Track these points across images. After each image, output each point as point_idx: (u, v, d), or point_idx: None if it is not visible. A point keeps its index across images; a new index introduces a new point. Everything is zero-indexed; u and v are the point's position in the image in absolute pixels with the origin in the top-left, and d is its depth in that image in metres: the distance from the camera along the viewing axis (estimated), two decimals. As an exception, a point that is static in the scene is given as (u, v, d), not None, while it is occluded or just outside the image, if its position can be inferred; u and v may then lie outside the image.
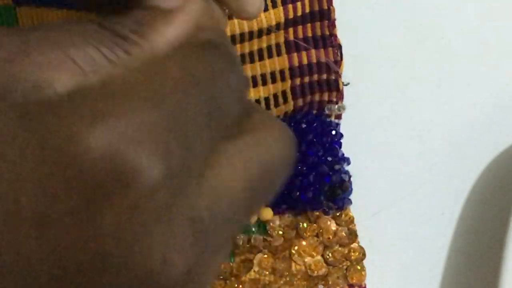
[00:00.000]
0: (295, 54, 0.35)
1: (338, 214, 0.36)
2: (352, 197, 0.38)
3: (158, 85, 0.17)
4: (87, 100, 0.16)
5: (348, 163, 0.37)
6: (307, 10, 0.35)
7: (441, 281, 0.39)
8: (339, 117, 0.37)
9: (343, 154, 0.37)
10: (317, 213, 0.36)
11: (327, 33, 0.36)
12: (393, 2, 0.42)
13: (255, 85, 0.35)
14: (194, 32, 0.20)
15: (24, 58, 0.17)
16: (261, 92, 0.35)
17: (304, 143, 0.35)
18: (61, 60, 0.17)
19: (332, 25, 0.35)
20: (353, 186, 0.38)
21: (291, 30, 0.35)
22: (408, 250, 0.39)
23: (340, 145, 0.37)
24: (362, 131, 0.40)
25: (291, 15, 0.34)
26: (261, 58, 0.35)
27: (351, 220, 0.37)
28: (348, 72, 0.41)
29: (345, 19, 0.41)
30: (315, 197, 0.35)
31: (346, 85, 0.37)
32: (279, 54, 0.35)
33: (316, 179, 0.35)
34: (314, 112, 0.36)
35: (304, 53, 0.35)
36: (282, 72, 0.35)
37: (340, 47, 0.36)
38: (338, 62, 0.36)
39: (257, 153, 0.20)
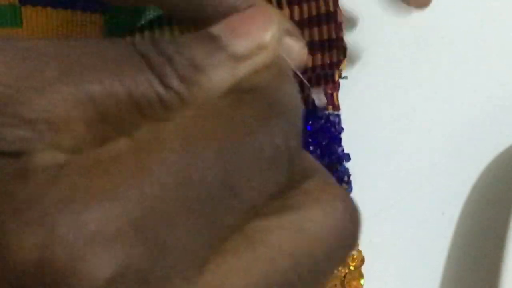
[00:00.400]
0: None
1: None
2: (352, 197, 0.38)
3: (154, 156, 0.15)
4: (61, 179, 0.14)
5: (348, 160, 0.36)
6: (314, 12, 0.35)
7: (441, 281, 0.39)
8: (336, 108, 0.36)
9: (342, 151, 0.36)
10: None
11: (334, 36, 0.35)
12: (393, 2, 0.42)
13: None
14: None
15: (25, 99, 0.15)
16: None
17: None
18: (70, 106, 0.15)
19: (338, 27, 0.35)
20: (353, 186, 0.38)
21: None
22: (408, 250, 0.39)
23: (339, 140, 0.36)
24: (362, 131, 0.40)
25: (297, 17, 0.34)
26: None
27: None
28: (348, 72, 0.41)
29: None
30: None
31: (343, 78, 0.36)
32: None
33: None
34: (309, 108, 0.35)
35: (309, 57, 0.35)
36: None
37: (345, 49, 0.36)
38: (341, 60, 0.36)
39: (294, 240, 0.16)
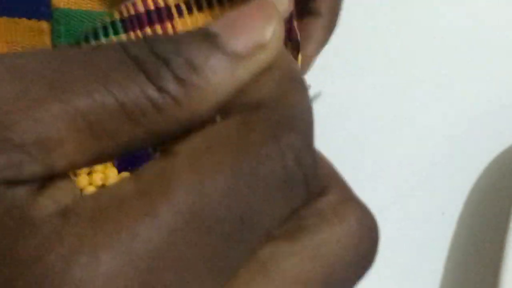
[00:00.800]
0: None
1: None
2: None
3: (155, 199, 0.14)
4: (66, 231, 0.14)
5: None
6: None
7: (441, 281, 0.39)
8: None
9: None
10: None
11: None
12: (393, 2, 0.42)
13: None
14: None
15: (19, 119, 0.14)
16: None
17: None
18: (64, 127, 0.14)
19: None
20: (353, 186, 0.38)
21: None
22: (408, 250, 0.39)
23: None
24: (362, 131, 0.40)
25: None
26: None
27: None
28: (348, 72, 0.41)
29: (345, 19, 0.41)
30: None
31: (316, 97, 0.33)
32: None
33: None
34: None
35: None
36: None
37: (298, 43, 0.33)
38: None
39: (308, 268, 0.15)
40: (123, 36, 0.29)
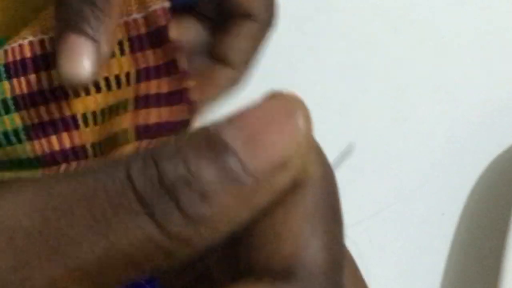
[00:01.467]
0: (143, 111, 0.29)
1: None
2: (352, 197, 0.38)
3: None
4: None
5: None
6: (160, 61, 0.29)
7: (441, 281, 0.39)
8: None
9: None
10: None
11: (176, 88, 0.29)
12: (393, 2, 0.42)
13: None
14: None
15: None
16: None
17: None
18: None
19: (181, 78, 0.29)
20: (353, 186, 0.38)
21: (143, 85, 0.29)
22: (408, 250, 0.39)
23: None
24: (362, 131, 0.40)
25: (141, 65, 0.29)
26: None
27: None
28: (348, 72, 0.41)
29: (345, 19, 0.41)
30: None
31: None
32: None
33: None
34: None
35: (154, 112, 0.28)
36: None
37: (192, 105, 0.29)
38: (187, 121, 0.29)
39: None
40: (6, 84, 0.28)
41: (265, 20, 0.32)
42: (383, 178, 0.40)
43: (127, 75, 0.29)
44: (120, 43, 0.29)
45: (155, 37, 0.28)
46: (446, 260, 0.39)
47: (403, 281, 0.39)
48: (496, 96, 0.41)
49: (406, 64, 0.41)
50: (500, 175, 0.40)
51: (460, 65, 0.41)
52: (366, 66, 0.41)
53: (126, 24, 0.28)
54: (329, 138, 0.41)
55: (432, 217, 0.39)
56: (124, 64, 0.29)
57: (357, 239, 0.39)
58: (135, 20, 0.28)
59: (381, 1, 0.42)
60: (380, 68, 0.41)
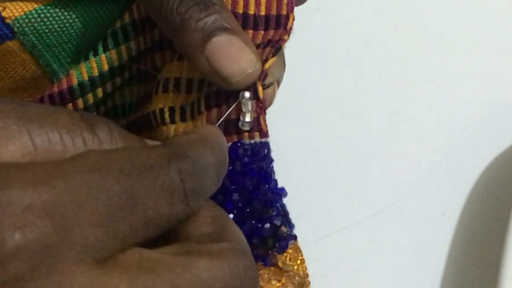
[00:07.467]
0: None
1: (285, 260, 0.27)
2: (352, 197, 0.38)
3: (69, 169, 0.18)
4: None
5: (284, 196, 0.28)
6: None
7: (441, 281, 0.39)
8: (264, 134, 0.27)
9: (276, 186, 0.27)
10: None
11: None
12: (394, 2, 0.42)
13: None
14: None
15: None
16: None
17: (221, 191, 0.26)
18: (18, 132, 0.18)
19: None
20: (353, 186, 0.38)
21: None
22: (408, 250, 0.39)
23: (269, 176, 0.27)
24: (362, 131, 0.40)
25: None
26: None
27: (302, 264, 0.28)
28: (348, 72, 0.41)
29: (347, 19, 0.41)
30: None
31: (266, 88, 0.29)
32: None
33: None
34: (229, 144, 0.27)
35: None
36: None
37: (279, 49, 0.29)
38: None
39: (178, 279, 0.19)
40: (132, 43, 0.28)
41: None
42: (383, 178, 0.40)
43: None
44: None
45: None
46: (446, 260, 0.39)
47: (403, 281, 0.39)
48: (496, 96, 0.41)
49: (406, 64, 0.41)
50: (500, 175, 0.40)
51: (460, 65, 0.41)
52: (366, 66, 0.41)
53: None
54: (329, 138, 0.41)
55: (432, 217, 0.39)
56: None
57: (357, 239, 0.39)
58: None
59: (381, 1, 0.42)
60: (380, 68, 0.41)
